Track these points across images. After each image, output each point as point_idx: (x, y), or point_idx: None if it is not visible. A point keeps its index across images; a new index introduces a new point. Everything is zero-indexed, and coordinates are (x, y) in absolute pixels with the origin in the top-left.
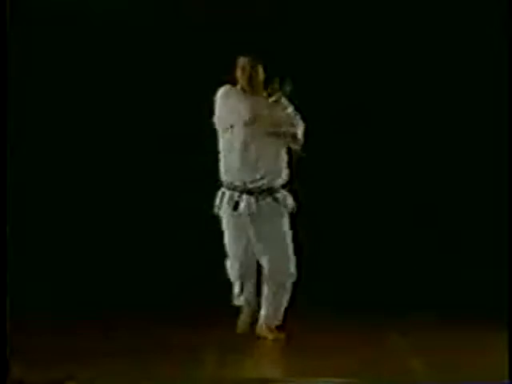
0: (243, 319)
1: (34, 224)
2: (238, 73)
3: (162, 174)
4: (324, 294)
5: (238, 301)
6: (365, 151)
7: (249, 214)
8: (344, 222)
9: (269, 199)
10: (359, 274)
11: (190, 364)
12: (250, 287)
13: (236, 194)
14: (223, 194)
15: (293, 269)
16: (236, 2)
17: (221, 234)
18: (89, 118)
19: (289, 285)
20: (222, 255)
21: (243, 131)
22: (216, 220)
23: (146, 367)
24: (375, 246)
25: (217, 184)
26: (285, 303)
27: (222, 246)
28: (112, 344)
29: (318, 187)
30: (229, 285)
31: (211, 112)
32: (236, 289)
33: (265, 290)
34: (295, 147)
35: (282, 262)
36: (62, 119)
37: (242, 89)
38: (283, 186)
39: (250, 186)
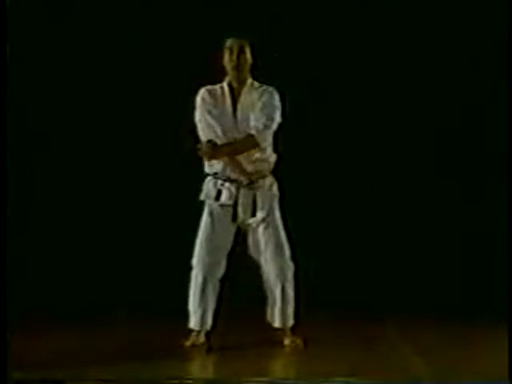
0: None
1: (34, 226)
2: (226, 55)
3: (160, 173)
4: (322, 293)
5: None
6: (364, 150)
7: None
8: (343, 220)
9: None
10: (358, 273)
11: (191, 365)
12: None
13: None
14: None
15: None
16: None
17: None
18: (87, 117)
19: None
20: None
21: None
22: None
23: (148, 367)
24: (375, 245)
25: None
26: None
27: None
28: (112, 344)
29: (319, 185)
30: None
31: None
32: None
33: (274, 290)
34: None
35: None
36: (61, 118)
37: (229, 84)
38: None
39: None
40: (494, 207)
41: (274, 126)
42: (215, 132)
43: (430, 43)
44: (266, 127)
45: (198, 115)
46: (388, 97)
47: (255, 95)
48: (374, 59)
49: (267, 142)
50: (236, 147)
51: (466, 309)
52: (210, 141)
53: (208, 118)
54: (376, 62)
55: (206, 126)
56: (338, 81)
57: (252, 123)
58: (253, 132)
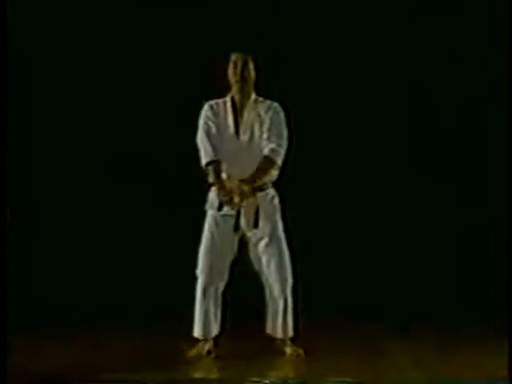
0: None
1: (35, 232)
2: (230, 69)
3: (165, 180)
4: (323, 302)
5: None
6: (363, 151)
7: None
8: (342, 221)
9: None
10: (359, 283)
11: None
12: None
13: None
14: None
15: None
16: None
17: None
18: (89, 121)
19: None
20: None
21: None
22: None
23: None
24: (375, 248)
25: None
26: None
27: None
28: (118, 352)
29: (320, 195)
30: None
31: None
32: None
33: (276, 302)
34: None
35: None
36: (62, 120)
37: (232, 98)
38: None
39: None
40: (494, 207)
41: (285, 143)
42: (210, 155)
43: (430, 44)
44: (279, 146)
45: (199, 132)
46: (388, 98)
47: (260, 111)
48: (374, 62)
49: (282, 159)
50: (256, 176)
51: (466, 309)
52: (211, 162)
53: (205, 140)
54: (376, 65)
55: (203, 147)
56: (337, 80)
57: (264, 143)
58: (266, 153)
